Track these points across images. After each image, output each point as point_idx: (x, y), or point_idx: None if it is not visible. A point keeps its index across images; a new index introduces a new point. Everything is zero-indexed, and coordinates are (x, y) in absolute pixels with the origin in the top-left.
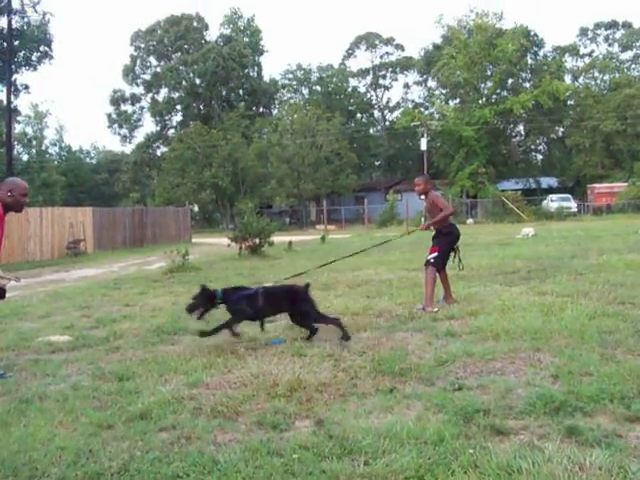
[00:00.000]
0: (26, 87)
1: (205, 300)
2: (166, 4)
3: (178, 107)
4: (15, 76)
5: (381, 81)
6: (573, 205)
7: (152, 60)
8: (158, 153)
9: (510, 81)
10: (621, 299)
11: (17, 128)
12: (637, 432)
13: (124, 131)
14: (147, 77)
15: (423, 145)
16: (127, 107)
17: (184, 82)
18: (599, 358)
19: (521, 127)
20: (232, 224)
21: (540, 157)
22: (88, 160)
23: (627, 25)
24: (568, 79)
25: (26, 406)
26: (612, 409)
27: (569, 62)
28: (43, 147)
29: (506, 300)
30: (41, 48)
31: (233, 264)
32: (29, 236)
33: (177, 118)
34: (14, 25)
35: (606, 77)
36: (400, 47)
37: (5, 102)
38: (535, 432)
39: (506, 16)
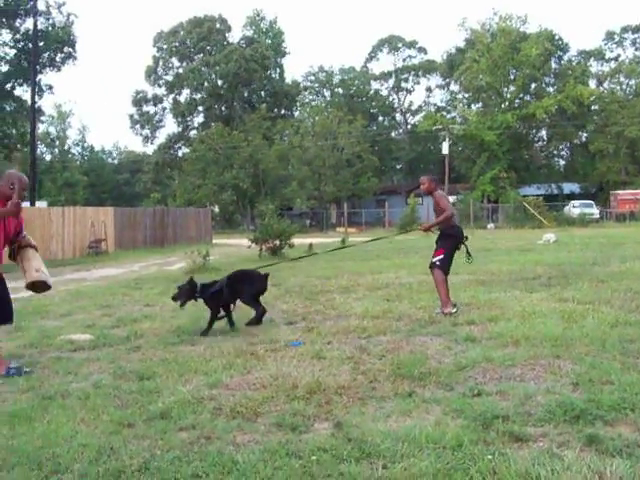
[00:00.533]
0: (50, 87)
1: (189, 291)
2: (189, 6)
3: (200, 108)
4: (39, 77)
5: (403, 84)
6: (595, 211)
7: (174, 61)
8: (179, 154)
9: (533, 85)
10: None
11: (41, 128)
12: None
13: (146, 132)
14: (169, 78)
15: (445, 149)
16: (149, 108)
17: (206, 83)
18: (620, 367)
19: (544, 132)
20: (252, 225)
21: (562, 162)
22: (110, 160)
23: None
24: (593, 84)
25: (49, 403)
26: (633, 418)
27: (594, 66)
28: (66, 147)
29: (526, 306)
30: (65, 49)
31: (253, 265)
32: (51, 235)
33: (199, 119)
34: (39, 26)
35: (632, 82)
36: (423, 50)
37: (29, 102)
38: (554, 440)
39: (530, 20)
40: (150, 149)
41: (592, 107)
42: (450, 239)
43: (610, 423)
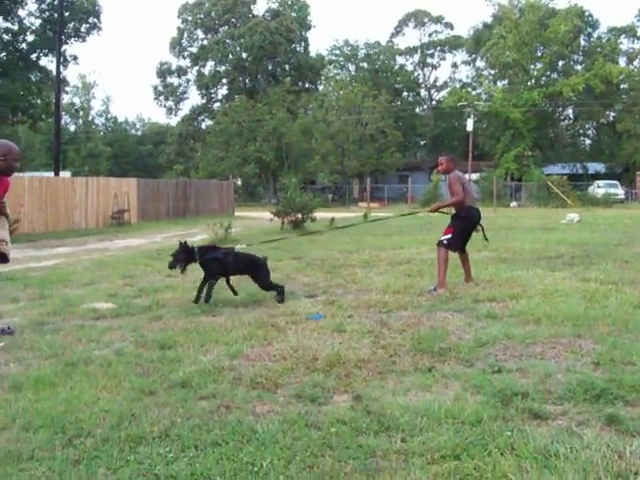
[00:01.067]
0: (75, 58)
1: (184, 256)
2: None
3: (224, 81)
4: (64, 47)
5: (429, 60)
6: (620, 192)
7: (199, 33)
8: (203, 126)
9: (561, 63)
10: None
11: (65, 98)
12: None
13: (170, 103)
14: (194, 50)
15: (469, 126)
16: (173, 79)
17: (230, 56)
18: None
19: (570, 110)
20: (275, 199)
21: (588, 142)
22: (133, 131)
23: None
24: (622, 62)
25: (72, 369)
26: None
27: (624, 44)
28: (90, 118)
29: (548, 285)
30: (90, 20)
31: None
32: (75, 205)
33: (223, 92)
34: None
35: None
36: (449, 25)
37: (54, 73)
38: (574, 418)
39: None
40: (174, 121)
41: (621, 86)
42: (461, 220)
43: (631, 403)
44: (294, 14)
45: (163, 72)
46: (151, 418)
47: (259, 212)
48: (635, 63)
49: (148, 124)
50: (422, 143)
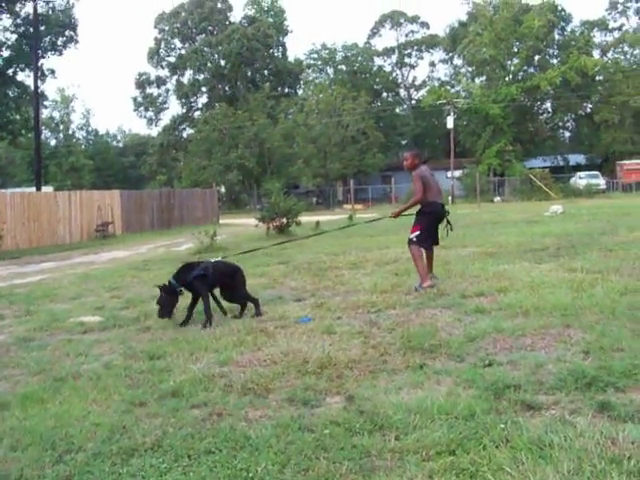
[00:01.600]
0: (52, 72)
1: (170, 297)
2: None
3: (203, 89)
4: (41, 61)
5: (407, 59)
6: (602, 182)
7: (177, 42)
8: (184, 135)
9: (537, 57)
10: None
11: (44, 113)
12: None
13: (150, 114)
14: (172, 59)
15: (449, 123)
16: (153, 90)
17: (209, 64)
18: (630, 334)
19: (548, 104)
20: (259, 204)
21: (568, 134)
22: (115, 143)
23: None
24: (597, 54)
25: (61, 384)
26: None
27: (598, 37)
28: (70, 131)
29: (535, 277)
30: (66, 33)
31: (261, 244)
32: (58, 219)
33: (203, 100)
34: (40, 10)
35: (636, 51)
36: (425, 25)
37: (32, 87)
38: (566, 407)
39: None
40: (155, 131)
41: (596, 78)
42: (426, 216)
43: (622, 389)
44: (271, 20)
45: (142, 83)
46: (143, 429)
47: (244, 219)
48: (609, 55)
49: (129, 135)
50: (403, 143)
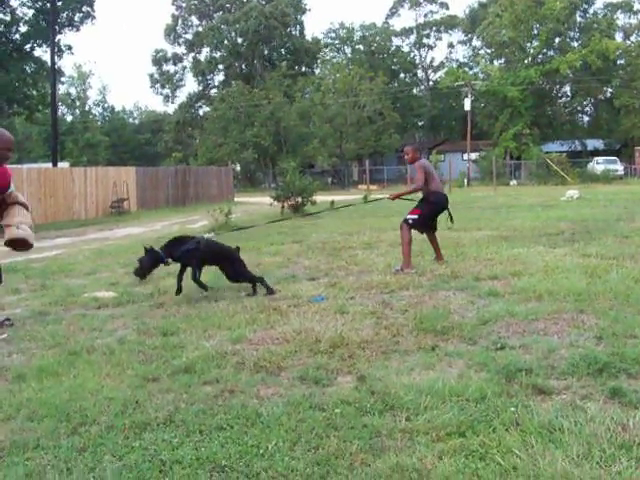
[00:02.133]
0: (69, 48)
1: (151, 262)
2: None
3: (220, 67)
4: (58, 37)
5: (425, 40)
6: (620, 168)
7: (194, 19)
8: (200, 113)
9: (557, 40)
10: None
11: (61, 89)
12: None
13: (166, 91)
14: (189, 37)
15: (467, 105)
16: (169, 67)
17: (226, 41)
18: None
19: (567, 88)
20: (274, 183)
21: (586, 119)
22: (131, 120)
23: None
24: (619, 37)
25: (75, 358)
26: None
27: (621, 19)
28: (87, 108)
29: (550, 261)
30: (83, 8)
31: (275, 223)
32: (74, 195)
33: (219, 78)
34: None
35: None
36: (445, 5)
37: (49, 63)
38: (578, 392)
39: None
40: (171, 108)
41: (618, 61)
42: (430, 205)
43: (634, 376)
44: None
45: (159, 60)
46: (155, 404)
47: (259, 197)
48: (632, 38)
49: (145, 112)
50: (420, 124)
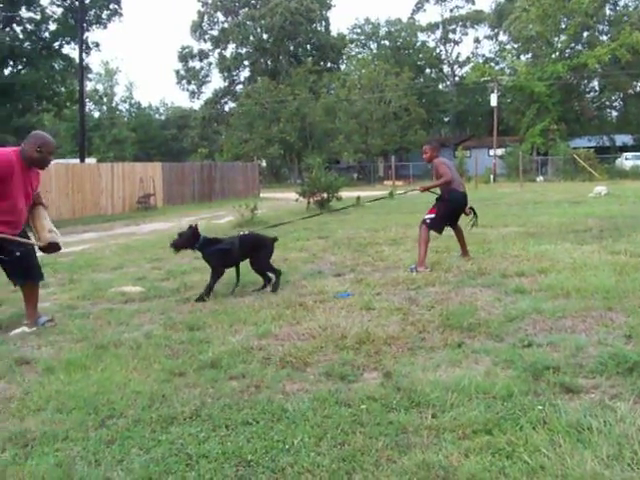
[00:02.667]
0: (97, 45)
1: (188, 239)
2: None
3: (246, 63)
4: (86, 34)
5: (451, 35)
6: None
7: (219, 16)
8: (226, 109)
9: (585, 34)
10: None
11: (88, 85)
12: None
13: (192, 87)
14: (215, 33)
15: (493, 101)
16: (195, 63)
17: (251, 37)
18: None
19: (596, 82)
20: (300, 179)
21: (615, 114)
22: (157, 116)
23: None
24: None
25: (102, 352)
26: None
27: None
28: (113, 104)
29: (577, 258)
30: (111, 6)
31: (310, 218)
32: (101, 190)
33: (245, 74)
34: None
35: None
36: (471, 0)
37: (77, 60)
38: (607, 392)
39: None
40: (197, 104)
41: None
42: (444, 203)
43: None
44: None
45: (185, 56)
46: (182, 399)
47: (284, 193)
48: None
49: (171, 108)
50: (446, 120)
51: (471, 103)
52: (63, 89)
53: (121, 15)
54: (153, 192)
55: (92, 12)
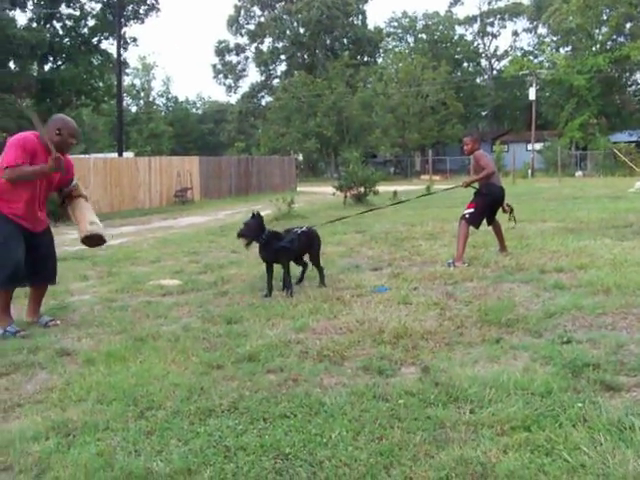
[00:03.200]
0: (134, 40)
1: (255, 229)
2: None
3: (282, 57)
4: (124, 29)
5: (489, 28)
6: None
7: (256, 10)
8: (263, 103)
9: (628, 25)
10: None
11: (126, 80)
12: None
13: (229, 81)
14: (251, 27)
15: (532, 95)
16: (232, 57)
17: (288, 31)
18: None
19: (638, 75)
20: (336, 173)
21: None
22: (194, 110)
23: None
24: None
25: (141, 344)
26: None
27: None
28: (151, 98)
29: (618, 254)
30: (148, 1)
31: (338, 212)
32: (138, 184)
33: (281, 68)
34: None
35: None
36: None
37: (115, 55)
38: None
39: None
40: (233, 98)
41: None
42: (482, 197)
43: None
44: None
45: (221, 50)
46: (220, 391)
47: (321, 187)
48: None
49: (208, 102)
50: (483, 114)
51: (509, 97)
52: (101, 84)
53: (158, 10)
54: (190, 186)
55: (130, 7)
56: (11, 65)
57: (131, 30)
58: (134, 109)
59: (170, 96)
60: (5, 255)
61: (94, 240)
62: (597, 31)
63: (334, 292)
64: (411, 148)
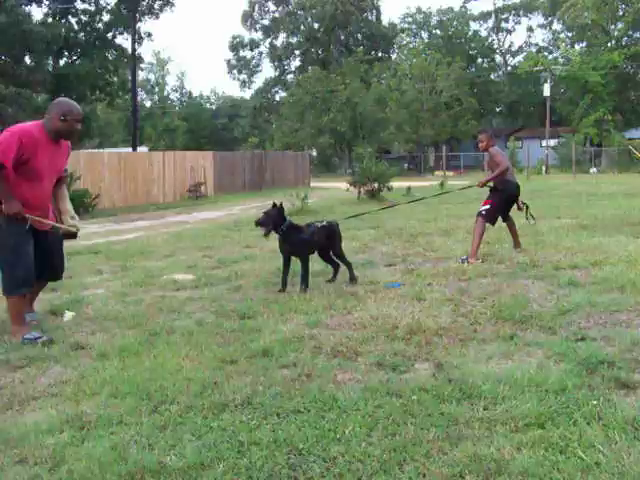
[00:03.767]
0: (149, 35)
1: (275, 219)
2: None
3: (296, 52)
4: (139, 24)
5: (503, 24)
6: None
7: (270, 5)
8: (277, 98)
9: None
10: None
11: (140, 75)
12: None
13: (243, 76)
14: (266, 22)
15: (546, 91)
16: (246, 53)
17: (302, 27)
18: None
19: None
20: (350, 169)
21: None
22: (208, 105)
23: None
24: None
25: (155, 339)
26: None
27: None
28: (165, 93)
29: (632, 251)
30: None
31: (352, 208)
32: (152, 179)
33: (295, 63)
34: None
35: None
36: None
37: (130, 50)
38: None
39: None
40: (247, 94)
41: None
42: (498, 193)
43: None
44: None
45: (236, 46)
46: (233, 386)
47: (335, 182)
48: None
49: (222, 98)
50: (498, 110)
51: (523, 93)
52: (116, 79)
53: (173, 5)
54: (204, 181)
55: (144, 2)
56: (27, 60)
57: (146, 25)
58: (148, 104)
59: (184, 91)
60: (15, 261)
61: (73, 235)
62: (612, 27)
63: (348, 288)
64: (425, 144)
